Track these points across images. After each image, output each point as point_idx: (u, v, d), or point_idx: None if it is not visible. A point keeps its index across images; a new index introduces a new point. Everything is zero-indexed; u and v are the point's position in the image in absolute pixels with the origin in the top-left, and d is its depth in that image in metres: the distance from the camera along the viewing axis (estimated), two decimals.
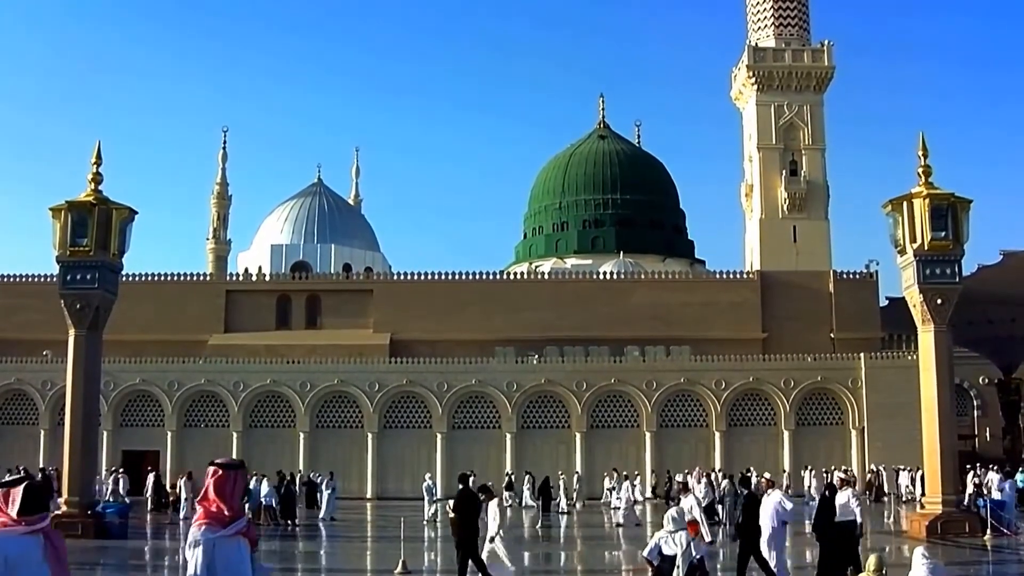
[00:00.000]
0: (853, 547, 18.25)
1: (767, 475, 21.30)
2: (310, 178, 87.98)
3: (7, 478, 6.79)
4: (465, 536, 17.78)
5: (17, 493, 6.34)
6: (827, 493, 19.42)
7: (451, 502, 19.09)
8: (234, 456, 54.66)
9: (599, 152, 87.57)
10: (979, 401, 71.26)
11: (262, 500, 36.45)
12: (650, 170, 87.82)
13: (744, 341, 62.83)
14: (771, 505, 18.07)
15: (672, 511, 15.15)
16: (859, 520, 19.32)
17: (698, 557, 14.41)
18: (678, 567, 14.23)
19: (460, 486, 18.94)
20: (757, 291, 66.35)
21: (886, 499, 51.32)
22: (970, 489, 36.28)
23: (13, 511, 6.28)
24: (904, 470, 50.55)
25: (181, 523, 35.42)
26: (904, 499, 49.72)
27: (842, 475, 22.05)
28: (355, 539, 34.71)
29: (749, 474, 43.52)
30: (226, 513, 7.03)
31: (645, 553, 15.26)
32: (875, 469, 53.49)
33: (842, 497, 19.68)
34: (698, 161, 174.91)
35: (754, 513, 17.93)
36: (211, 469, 7.31)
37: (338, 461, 54.39)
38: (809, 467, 52.33)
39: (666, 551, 14.46)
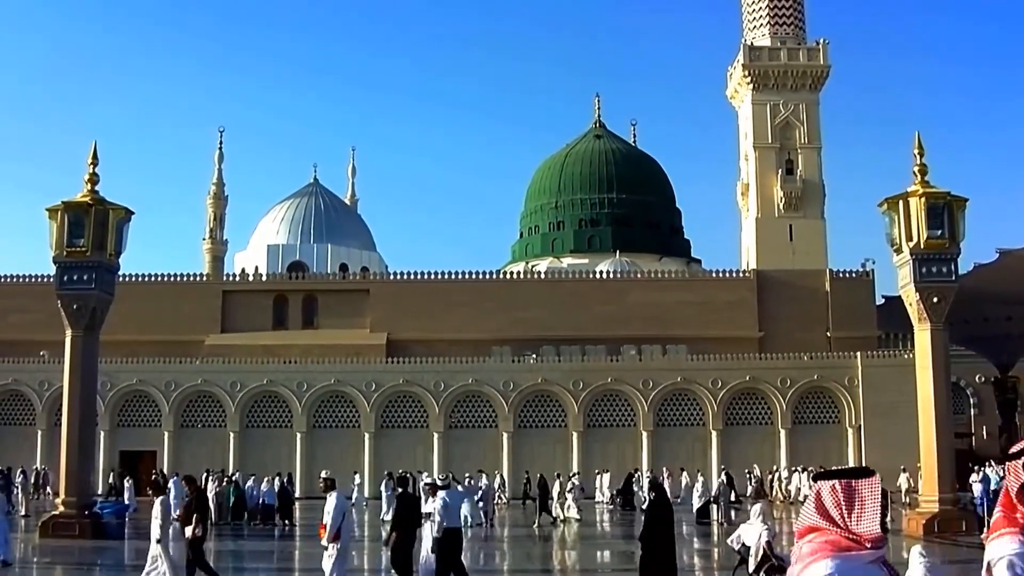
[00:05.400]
0: (456, 554, 17.71)
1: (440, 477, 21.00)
2: (306, 178, 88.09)
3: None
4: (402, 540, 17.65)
5: (873, 491, 3.94)
6: (652, 496, 18.31)
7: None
8: (231, 458, 54.71)
9: (595, 151, 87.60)
10: (975, 399, 71.21)
11: (262, 500, 36.45)
12: (646, 169, 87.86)
13: (740, 340, 62.86)
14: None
15: (757, 506, 17.40)
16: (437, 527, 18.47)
17: (766, 544, 16.20)
18: (753, 555, 16.40)
19: (399, 490, 18.77)
20: (753, 290, 66.42)
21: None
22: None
23: (861, 524, 3.93)
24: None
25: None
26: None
27: (439, 480, 21.12)
28: (353, 540, 34.63)
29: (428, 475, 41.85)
30: None
31: (730, 540, 17.74)
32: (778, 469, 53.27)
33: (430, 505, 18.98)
34: (694, 160, 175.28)
35: (411, 514, 17.58)
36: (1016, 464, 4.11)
37: (335, 461, 54.26)
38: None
39: (746, 541, 16.68)
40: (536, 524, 36.55)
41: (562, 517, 38.38)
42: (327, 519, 16.39)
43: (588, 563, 28.36)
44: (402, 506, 17.80)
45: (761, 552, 16.21)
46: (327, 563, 16.33)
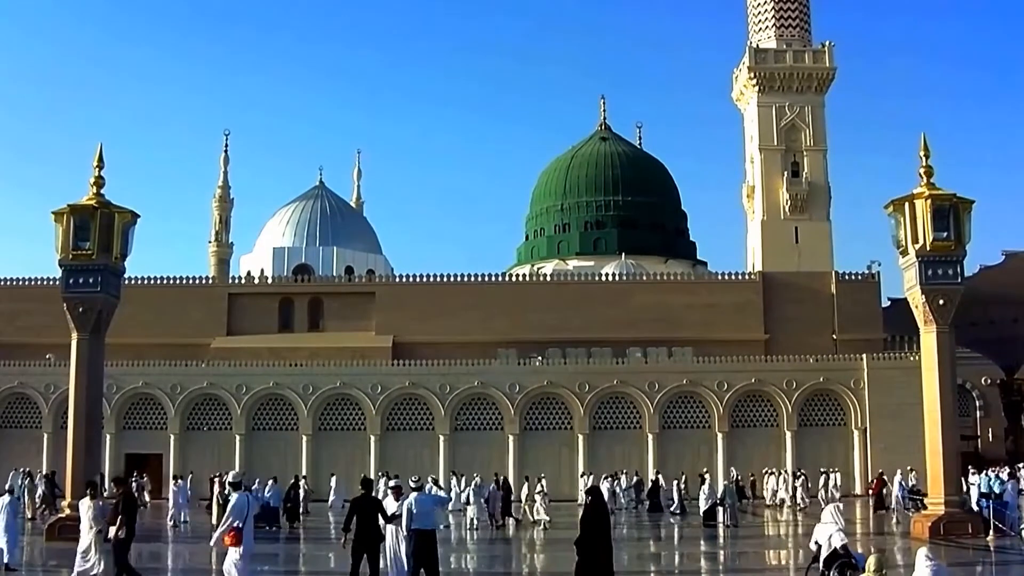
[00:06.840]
0: (427, 555, 17.77)
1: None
2: (312, 181, 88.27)
3: None
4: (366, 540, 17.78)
5: None
6: (588, 500, 18.03)
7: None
8: (237, 460, 54.77)
9: (600, 154, 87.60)
10: (981, 402, 71.31)
11: (268, 502, 36.47)
12: (652, 172, 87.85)
13: (746, 342, 62.82)
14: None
15: (830, 507, 17.95)
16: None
17: (841, 547, 16.97)
18: (824, 552, 17.27)
19: (362, 490, 18.83)
20: (759, 292, 66.37)
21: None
22: None
23: None
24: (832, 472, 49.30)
25: (171, 530, 35.01)
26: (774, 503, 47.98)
27: (412, 483, 18.98)
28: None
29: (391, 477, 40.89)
30: None
31: (812, 544, 18.31)
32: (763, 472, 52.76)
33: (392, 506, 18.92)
34: (699, 163, 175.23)
35: (363, 516, 17.72)
36: None
37: (341, 464, 54.43)
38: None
39: (818, 539, 17.43)
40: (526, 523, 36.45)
41: (531, 519, 37.71)
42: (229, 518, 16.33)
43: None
44: (353, 509, 17.95)
45: (830, 550, 17.00)
46: (230, 565, 16.08)
